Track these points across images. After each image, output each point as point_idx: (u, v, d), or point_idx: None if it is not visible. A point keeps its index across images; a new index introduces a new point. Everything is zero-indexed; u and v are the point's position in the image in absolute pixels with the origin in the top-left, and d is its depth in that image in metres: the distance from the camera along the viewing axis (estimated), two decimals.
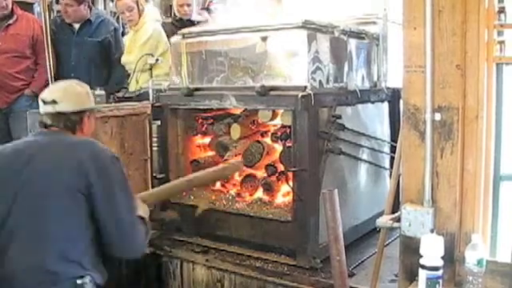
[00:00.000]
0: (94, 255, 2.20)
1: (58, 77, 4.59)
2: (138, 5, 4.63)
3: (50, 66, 4.30)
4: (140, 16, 4.64)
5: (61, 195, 2.11)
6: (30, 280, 2.06)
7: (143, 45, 4.54)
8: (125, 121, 3.57)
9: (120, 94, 4.57)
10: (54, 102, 2.29)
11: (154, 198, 2.90)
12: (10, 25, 4.59)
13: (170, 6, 6.65)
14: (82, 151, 2.20)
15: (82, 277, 2.11)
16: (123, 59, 4.72)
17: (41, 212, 2.10)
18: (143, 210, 2.47)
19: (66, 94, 2.33)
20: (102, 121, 3.33)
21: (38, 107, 4.72)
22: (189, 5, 5.15)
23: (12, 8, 4.63)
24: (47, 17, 4.40)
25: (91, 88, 4.24)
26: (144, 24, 4.64)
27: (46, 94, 2.33)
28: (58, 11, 5.48)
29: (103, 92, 4.27)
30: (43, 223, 2.09)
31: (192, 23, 5.10)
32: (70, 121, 2.31)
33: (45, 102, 2.32)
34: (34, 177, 2.14)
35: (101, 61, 4.85)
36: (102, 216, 2.16)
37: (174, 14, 5.58)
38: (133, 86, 4.52)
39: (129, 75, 4.65)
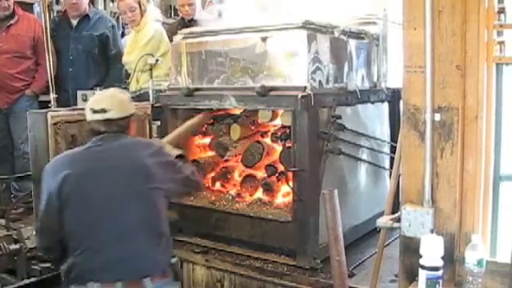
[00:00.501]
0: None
1: (56, 72, 4.64)
2: (140, 5, 4.64)
3: (50, 66, 4.31)
4: (142, 16, 4.66)
5: (141, 190, 2.50)
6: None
7: (145, 45, 4.55)
8: None
9: None
10: (103, 110, 2.52)
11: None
12: (11, 25, 4.60)
13: (170, 5, 6.68)
14: (144, 149, 2.60)
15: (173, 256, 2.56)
16: (124, 59, 4.73)
17: (127, 208, 2.45)
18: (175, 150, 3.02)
19: (113, 103, 2.56)
20: None
21: (38, 107, 4.79)
22: (190, 4, 5.15)
23: (13, 8, 4.64)
24: (47, 17, 4.41)
25: (91, 89, 4.30)
26: (146, 24, 4.65)
27: (94, 104, 2.56)
28: (58, 11, 5.50)
29: None
30: (129, 218, 2.44)
31: (196, 23, 5.12)
32: (119, 126, 2.56)
33: (94, 111, 2.54)
34: (114, 176, 2.49)
35: (99, 55, 4.88)
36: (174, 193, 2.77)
37: (178, 15, 5.61)
38: (133, 86, 4.53)
39: (129, 75, 4.66)
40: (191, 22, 5.08)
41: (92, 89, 4.27)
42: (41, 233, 2.56)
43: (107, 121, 2.53)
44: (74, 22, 4.82)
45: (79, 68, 4.77)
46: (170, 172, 2.64)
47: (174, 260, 2.37)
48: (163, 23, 5.05)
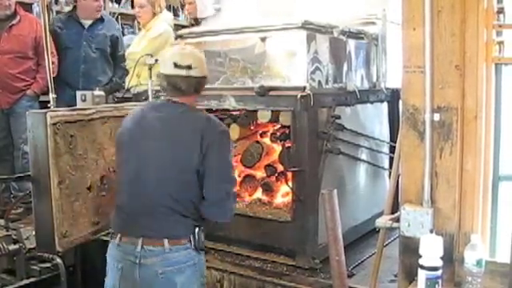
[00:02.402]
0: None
1: (63, 70, 4.65)
2: (153, 6, 4.68)
3: (49, 66, 4.31)
4: (153, 17, 4.71)
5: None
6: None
7: (154, 39, 4.60)
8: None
9: (119, 95, 4.58)
10: (189, 67, 2.42)
11: None
12: (12, 25, 4.60)
13: (170, 6, 6.69)
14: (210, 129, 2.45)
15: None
16: (130, 50, 4.76)
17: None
18: None
19: (197, 60, 2.47)
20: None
21: (39, 108, 4.79)
22: (190, 3, 5.20)
23: (15, 9, 4.64)
24: (46, 17, 4.41)
25: (91, 89, 4.30)
26: (156, 24, 4.71)
27: (178, 58, 2.44)
28: (58, 11, 5.50)
29: (102, 93, 4.27)
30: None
31: (197, 21, 5.17)
32: (197, 85, 2.47)
33: (177, 66, 2.42)
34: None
35: (110, 54, 4.95)
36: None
37: (178, 15, 5.66)
38: (134, 81, 4.53)
39: (128, 72, 4.69)
40: (200, 21, 5.14)
41: (91, 89, 4.30)
42: None
43: (189, 78, 2.43)
44: (87, 22, 4.88)
45: (92, 65, 4.84)
46: (218, 171, 2.42)
47: (198, 231, 2.39)
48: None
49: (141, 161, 2.40)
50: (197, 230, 2.39)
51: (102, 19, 4.96)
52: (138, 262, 2.31)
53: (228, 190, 2.42)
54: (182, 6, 6.66)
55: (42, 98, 4.70)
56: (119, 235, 2.39)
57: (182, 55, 2.46)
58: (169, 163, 2.36)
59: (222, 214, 2.47)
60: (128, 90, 4.62)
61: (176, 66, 2.42)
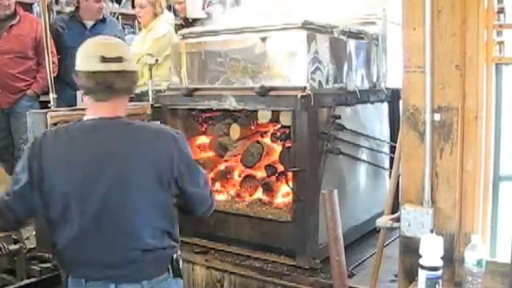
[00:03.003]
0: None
1: (63, 70, 4.65)
2: (153, 7, 4.68)
3: (49, 66, 4.31)
4: (154, 17, 4.71)
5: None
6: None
7: (158, 39, 4.60)
8: None
9: None
10: (119, 59, 2.00)
11: None
12: (12, 25, 4.61)
13: (170, 6, 6.69)
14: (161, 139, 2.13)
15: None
16: (132, 50, 4.74)
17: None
18: None
19: (127, 52, 2.09)
20: None
21: (39, 108, 4.79)
22: (180, 3, 5.26)
23: (15, 9, 4.65)
24: (47, 17, 4.41)
25: None
26: (159, 25, 4.70)
27: (104, 50, 2.01)
28: (58, 12, 5.51)
29: None
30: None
31: (189, 22, 5.19)
32: (132, 81, 2.08)
33: (106, 59, 1.99)
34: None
35: None
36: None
37: (177, 15, 5.65)
38: None
39: None
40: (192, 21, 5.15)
41: None
42: None
43: (122, 73, 2.01)
44: (89, 23, 4.87)
45: None
46: (189, 176, 2.14)
47: (175, 258, 2.17)
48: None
49: (94, 207, 1.98)
50: (175, 256, 2.16)
51: (104, 20, 4.95)
52: None
53: (207, 196, 2.27)
54: (175, 10, 6.65)
55: (43, 98, 4.71)
56: (83, 280, 2.06)
57: (109, 46, 2.06)
58: (132, 201, 2.00)
59: (208, 210, 2.33)
60: None
61: (104, 59, 1.99)
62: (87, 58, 2.01)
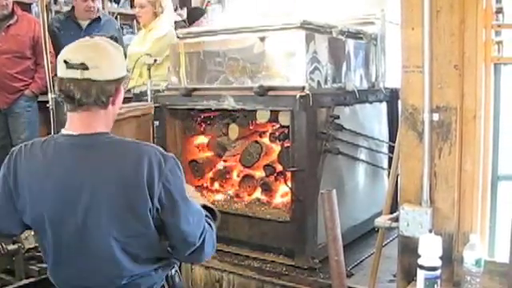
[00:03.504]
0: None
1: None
2: (153, 6, 4.66)
3: (48, 66, 4.31)
4: (154, 17, 4.69)
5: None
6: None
7: (159, 39, 4.57)
8: (140, 121, 3.61)
9: None
10: (83, 66, 1.72)
11: None
12: (10, 25, 4.60)
13: None
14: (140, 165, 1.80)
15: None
16: (131, 51, 4.73)
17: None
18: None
19: (100, 56, 1.78)
20: (127, 121, 3.37)
21: (37, 108, 4.78)
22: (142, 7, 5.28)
23: (13, 8, 4.64)
24: (45, 17, 4.40)
25: None
26: (159, 25, 4.69)
27: (69, 53, 1.77)
28: (57, 11, 5.49)
29: None
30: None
31: None
32: (102, 93, 1.76)
33: (69, 65, 1.74)
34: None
35: None
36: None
37: None
38: (134, 81, 4.52)
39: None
40: None
41: None
42: None
43: (86, 82, 1.72)
44: (84, 23, 4.84)
45: None
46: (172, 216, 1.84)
47: (171, 275, 2.03)
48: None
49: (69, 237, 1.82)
50: (169, 274, 2.01)
51: (99, 20, 4.90)
52: None
53: (196, 236, 1.92)
54: (181, 7, 6.69)
55: (41, 98, 4.71)
56: None
57: (77, 50, 1.79)
58: (106, 228, 1.79)
59: (198, 255, 2.00)
60: (129, 90, 4.61)
61: (68, 65, 1.74)
62: (58, 61, 1.78)
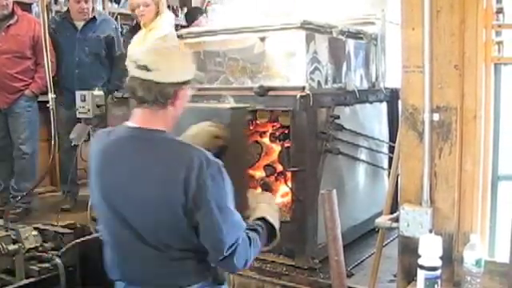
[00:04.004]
0: None
1: (59, 73, 4.63)
2: (157, 5, 4.66)
3: (48, 66, 4.30)
4: (156, 17, 4.68)
5: None
6: None
7: (160, 40, 4.55)
8: None
9: (119, 94, 4.57)
10: (145, 67, 1.87)
11: None
12: (10, 25, 4.59)
13: (169, 6, 6.69)
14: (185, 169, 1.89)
15: None
16: (131, 51, 4.72)
17: None
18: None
19: (163, 60, 1.91)
20: None
21: (37, 108, 4.77)
22: (139, 6, 5.26)
23: (13, 8, 4.64)
24: (45, 17, 4.40)
25: (90, 88, 4.29)
26: (160, 25, 4.67)
27: (139, 55, 1.92)
28: (57, 11, 5.49)
29: (102, 93, 4.28)
30: None
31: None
32: (161, 94, 1.89)
33: (136, 65, 1.90)
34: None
35: (105, 57, 4.89)
36: None
37: (177, 15, 5.64)
38: None
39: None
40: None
41: (90, 89, 4.29)
42: None
43: (148, 83, 1.88)
44: (79, 24, 4.82)
45: (86, 69, 4.77)
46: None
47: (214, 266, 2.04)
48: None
49: (122, 219, 1.94)
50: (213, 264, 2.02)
51: (94, 20, 4.89)
52: None
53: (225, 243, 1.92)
54: (174, 10, 6.69)
55: (41, 98, 4.71)
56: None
57: (146, 52, 1.95)
58: (150, 215, 1.90)
59: (225, 263, 1.99)
60: None
61: (136, 65, 1.90)
62: (128, 60, 1.94)
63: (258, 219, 2.14)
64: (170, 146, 1.94)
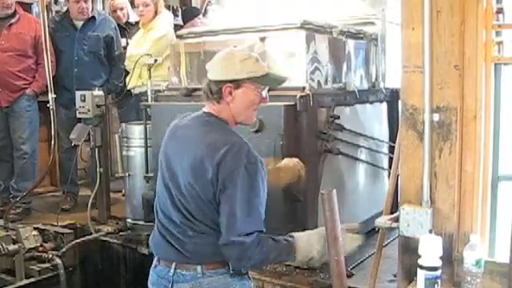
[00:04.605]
0: None
1: (58, 72, 4.63)
2: (156, 5, 4.67)
3: (48, 66, 4.30)
4: (154, 16, 4.69)
5: None
6: None
7: (158, 40, 4.58)
8: None
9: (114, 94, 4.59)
10: (206, 70, 2.21)
11: None
12: (12, 24, 4.60)
13: (169, 6, 6.70)
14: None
15: None
16: (130, 52, 4.73)
17: None
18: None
19: (215, 62, 2.20)
20: None
21: (37, 107, 4.77)
22: (122, 9, 5.36)
23: (14, 8, 4.65)
24: (45, 17, 4.40)
25: (89, 88, 4.29)
26: (158, 25, 4.69)
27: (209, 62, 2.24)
28: (57, 11, 5.49)
29: (101, 93, 4.28)
30: None
31: (131, 25, 5.35)
32: (211, 91, 2.17)
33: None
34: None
35: (104, 56, 4.90)
36: None
37: (177, 15, 5.64)
38: (134, 82, 4.52)
39: (128, 73, 4.67)
40: (127, 25, 5.40)
41: (90, 89, 4.29)
42: None
43: (208, 82, 2.18)
44: (79, 23, 4.83)
45: (85, 68, 4.78)
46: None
47: None
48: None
49: (169, 179, 2.18)
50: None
51: (94, 19, 4.89)
52: (171, 287, 2.14)
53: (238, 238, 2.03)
54: (174, 10, 6.72)
55: (41, 98, 4.71)
56: (156, 257, 2.24)
57: (215, 60, 2.22)
58: (189, 183, 2.09)
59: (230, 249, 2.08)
60: (129, 90, 4.61)
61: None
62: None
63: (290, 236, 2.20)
64: (222, 133, 2.13)
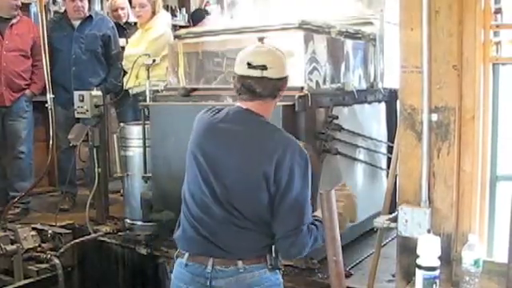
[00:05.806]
0: None
1: (54, 72, 4.62)
2: (153, 6, 4.67)
3: (47, 67, 4.30)
4: (152, 17, 4.70)
5: None
6: None
7: (155, 40, 4.57)
8: None
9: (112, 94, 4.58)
10: (263, 67, 2.18)
11: None
12: (13, 24, 4.61)
13: (168, 6, 6.70)
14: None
15: None
16: (128, 51, 4.73)
17: None
18: None
19: (274, 60, 2.22)
20: None
21: (32, 108, 4.77)
22: (123, 8, 5.35)
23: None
24: (44, 17, 4.40)
25: (87, 89, 4.28)
26: (156, 24, 4.69)
27: (251, 57, 2.20)
28: (55, 12, 5.48)
29: (100, 93, 4.27)
30: None
31: (130, 25, 5.36)
32: (274, 87, 2.22)
33: (251, 66, 2.19)
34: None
35: (102, 55, 4.89)
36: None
37: (176, 15, 5.65)
38: (131, 82, 4.52)
39: (125, 73, 4.67)
40: (127, 25, 5.42)
41: (89, 89, 4.28)
42: None
43: (264, 79, 2.17)
44: (76, 23, 4.82)
45: (82, 67, 4.77)
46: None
47: (274, 249, 2.19)
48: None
49: (211, 174, 2.18)
50: (273, 247, 2.19)
51: (91, 19, 4.89)
52: (209, 284, 2.14)
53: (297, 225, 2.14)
54: (173, 10, 6.72)
55: (40, 98, 4.71)
56: (187, 254, 2.21)
57: (257, 54, 2.23)
58: (238, 179, 2.15)
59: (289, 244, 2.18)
60: (126, 90, 4.61)
61: (250, 65, 2.19)
62: (240, 62, 2.21)
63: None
64: (270, 126, 2.23)
